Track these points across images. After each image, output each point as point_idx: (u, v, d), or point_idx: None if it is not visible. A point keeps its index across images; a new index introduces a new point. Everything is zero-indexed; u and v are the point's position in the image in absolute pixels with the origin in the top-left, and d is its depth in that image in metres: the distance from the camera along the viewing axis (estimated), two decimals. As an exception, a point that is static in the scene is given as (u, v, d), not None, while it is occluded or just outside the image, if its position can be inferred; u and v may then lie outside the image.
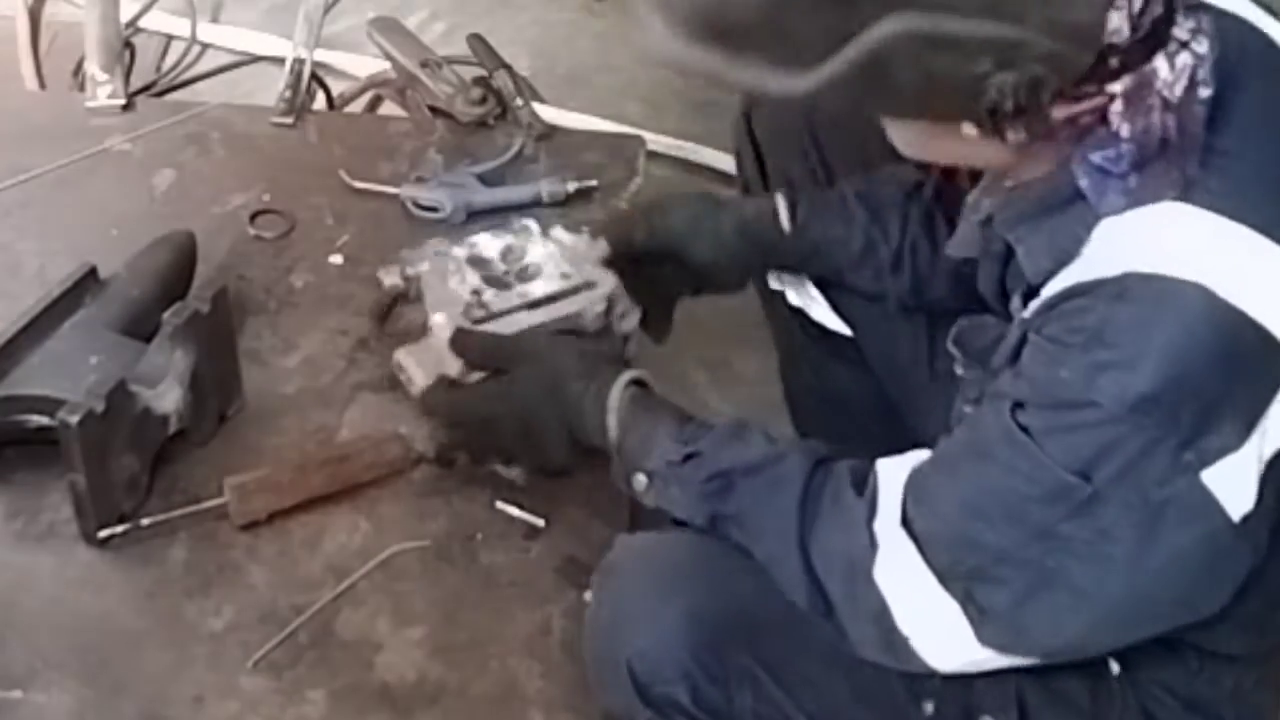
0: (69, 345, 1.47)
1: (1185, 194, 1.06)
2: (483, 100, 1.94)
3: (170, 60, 2.55)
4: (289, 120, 1.96)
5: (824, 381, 1.68)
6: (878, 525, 1.15)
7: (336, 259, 1.75)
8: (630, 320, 1.53)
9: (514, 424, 1.36)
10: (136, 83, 2.30)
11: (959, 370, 1.27)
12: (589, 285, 1.52)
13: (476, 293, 1.50)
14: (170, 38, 2.59)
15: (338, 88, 2.25)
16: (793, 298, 1.63)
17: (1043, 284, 1.13)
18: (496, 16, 2.68)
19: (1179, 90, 1.05)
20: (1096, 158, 1.07)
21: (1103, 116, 1.06)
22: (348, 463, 1.47)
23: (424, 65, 2.00)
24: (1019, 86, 1.02)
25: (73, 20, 2.37)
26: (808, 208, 1.52)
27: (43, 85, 2.42)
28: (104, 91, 1.97)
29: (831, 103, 1.09)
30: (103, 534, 1.40)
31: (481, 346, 1.42)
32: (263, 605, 1.38)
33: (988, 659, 1.15)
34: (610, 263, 1.53)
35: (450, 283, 1.51)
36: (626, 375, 1.32)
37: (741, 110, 1.66)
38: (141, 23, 2.56)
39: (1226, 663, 1.22)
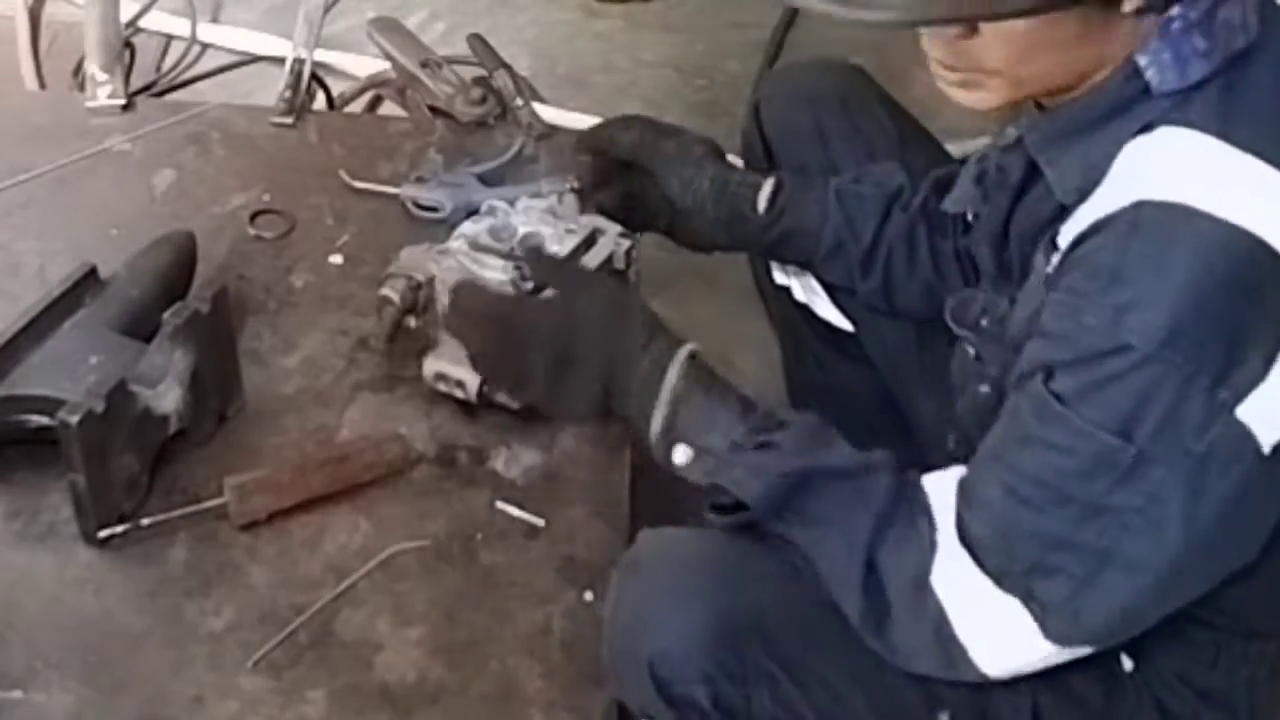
0: (69, 345, 1.47)
1: (1195, 117, 1.08)
2: (483, 100, 1.95)
3: (170, 60, 2.55)
4: (289, 120, 1.96)
5: (828, 377, 1.68)
6: (938, 538, 1.14)
7: (336, 259, 1.75)
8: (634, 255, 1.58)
9: (555, 343, 1.28)
10: (136, 83, 2.30)
11: (967, 347, 1.26)
12: (599, 231, 1.55)
13: (519, 268, 1.50)
14: (170, 38, 2.59)
15: (338, 88, 2.25)
16: (798, 293, 1.63)
17: (1068, 209, 1.14)
18: (496, 16, 2.68)
19: None
20: (1176, 26, 1.09)
21: None
22: (348, 463, 1.47)
23: (424, 65, 2.00)
24: None
25: (73, 20, 2.37)
26: (787, 197, 1.52)
27: (43, 85, 2.41)
28: (104, 91, 1.97)
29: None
30: (103, 534, 1.40)
31: (548, 260, 1.40)
32: (263, 605, 1.38)
33: (1043, 657, 1.14)
34: (592, 167, 1.55)
35: (485, 274, 1.51)
36: (690, 345, 1.29)
37: (751, 103, 1.66)
38: (141, 23, 2.55)
39: (1242, 652, 1.22)
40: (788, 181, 1.53)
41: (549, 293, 1.35)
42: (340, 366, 1.62)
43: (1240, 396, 1.04)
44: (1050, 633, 1.12)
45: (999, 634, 1.14)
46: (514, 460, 1.52)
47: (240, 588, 1.39)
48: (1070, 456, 1.07)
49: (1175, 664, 1.22)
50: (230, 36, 2.61)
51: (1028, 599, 1.11)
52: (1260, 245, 1.04)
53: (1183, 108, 1.09)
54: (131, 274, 1.57)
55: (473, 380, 1.50)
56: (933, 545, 1.14)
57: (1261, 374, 1.04)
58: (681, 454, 1.25)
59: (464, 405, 1.54)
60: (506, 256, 1.53)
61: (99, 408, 1.34)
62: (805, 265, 1.56)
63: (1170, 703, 1.22)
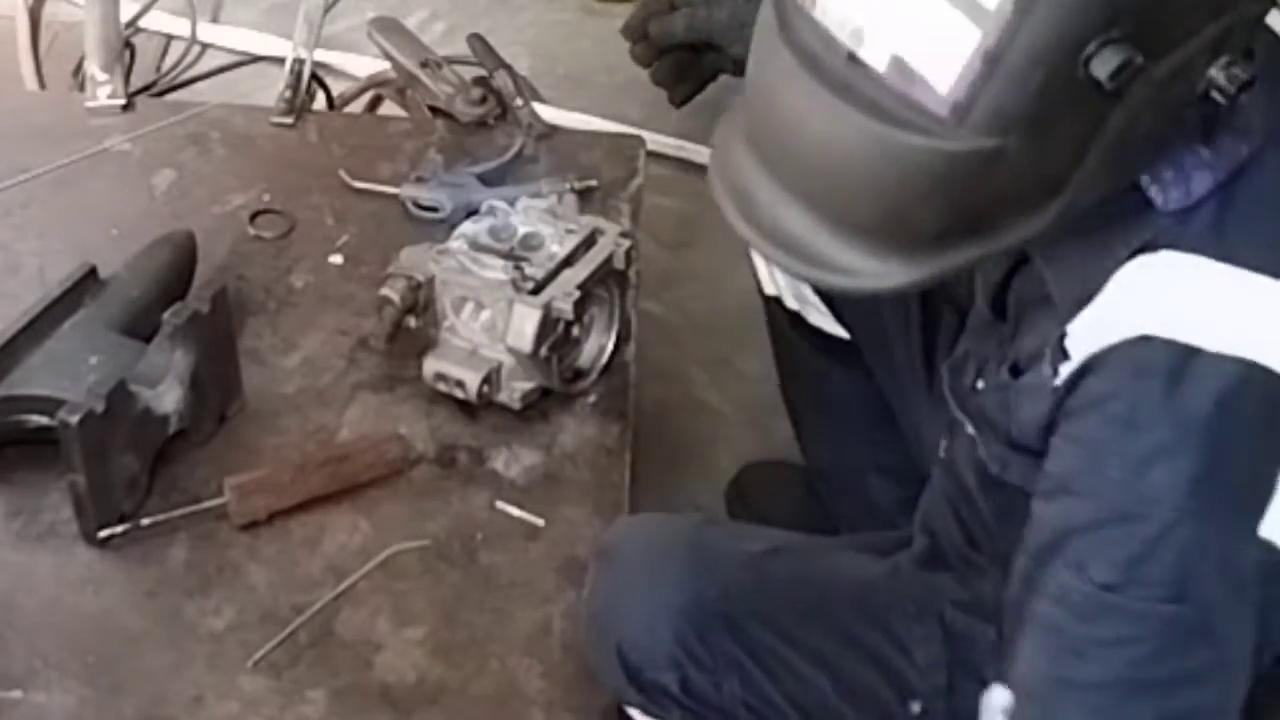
0: (69, 345, 1.47)
1: (1197, 242, 1.01)
2: (483, 100, 1.94)
3: (170, 60, 2.55)
4: (289, 120, 1.96)
5: (822, 385, 1.68)
6: None
7: (336, 259, 1.75)
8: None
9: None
10: (136, 83, 2.29)
11: (967, 428, 1.21)
12: (599, 231, 1.55)
13: (519, 268, 1.50)
14: (170, 38, 2.59)
15: (338, 88, 2.25)
16: (790, 302, 1.63)
17: (1066, 322, 1.08)
18: (496, 16, 2.68)
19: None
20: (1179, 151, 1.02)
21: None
22: (348, 463, 1.47)
23: (424, 65, 2.00)
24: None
25: (73, 20, 2.37)
26: None
27: (43, 85, 2.41)
28: (104, 91, 1.97)
29: None
30: (103, 534, 1.40)
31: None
32: (263, 605, 1.38)
33: None
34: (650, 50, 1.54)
35: (485, 273, 1.51)
36: None
37: None
38: (141, 23, 2.55)
39: None
40: None
41: None
42: (340, 366, 1.62)
43: (1261, 516, 0.99)
44: None
45: None
46: (514, 460, 1.52)
47: (240, 588, 1.39)
48: (1138, 645, 1.00)
49: None
50: (230, 36, 2.61)
51: None
52: (1273, 375, 0.98)
53: (1183, 224, 1.02)
54: (131, 274, 1.57)
55: (473, 380, 1.50)
56: None
57: (1275, 489, 1.00)
58: None
59: (464, 405, 1.54)
60: (506, 256, 1.53)
61: (99, 408, 1.34)
62: None
63: None
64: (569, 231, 1.55)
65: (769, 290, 1.65)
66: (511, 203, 1.61)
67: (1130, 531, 0.98)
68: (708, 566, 1.25)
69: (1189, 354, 0.98)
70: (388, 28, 2.08)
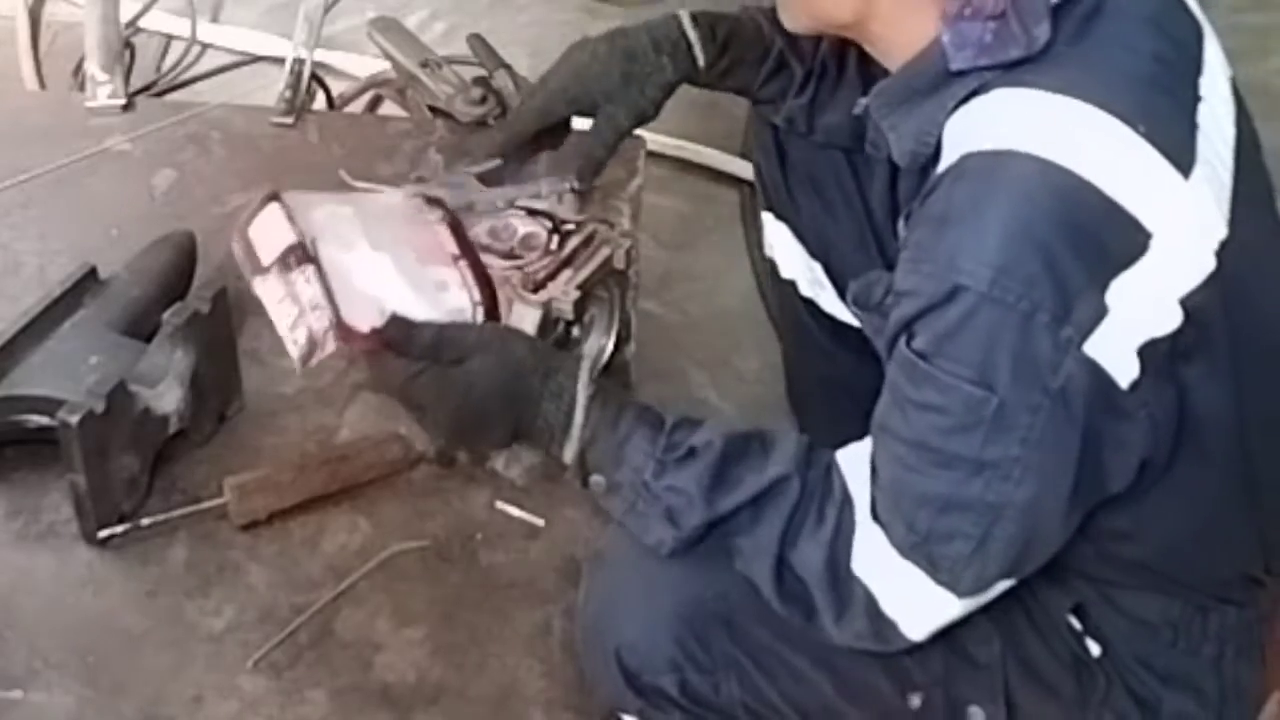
0: (69, 345, 1.47)
1: (1027, 78, 1.10)
2: (483, 100, 1.94)
3: (170, 60, 2.55)
4: (289, 120, 1.96)
5: (831, 371, 1.68)
6: (856, 518, 1.16)
7: (336, 259, 1.75)
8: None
9: (450, 415, 1.26)
10: (136, 83, 2.30)
11: (865, 329, 1.26)
12: (598, 231, 1.54)
13: (519, 268, 1.49)
14: (170, 38, 2.59)
15: (338, 88, 2.25)
16: (804, 287, 1.63)
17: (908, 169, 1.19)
18: (496, 16, 2.68)
19: None
20: (955, 6, 1.11)
21: None
22: (348, 463, 1.47)
23: (424, 65, 1.99)
24: None
25: (73, 20, 2.37)
26: (725, 36, 1.51)
27: (43, 85, 2.42)
28: (104, 91, 1.97)
29: None
30: (103, 534, 1.40)
31: (419, 338, 1.27)
32: (263, 605, 1.38)
33: (961, 609, 1.16)
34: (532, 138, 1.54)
35: (457, 303, 1.51)
36: (585, 367, 1.25)
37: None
38: (141, 23, 2.55)
39: (1200, 629, 1.22)
40: (720, 26, 1.52)
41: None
42: (340, 366, 1.62)
43: (1085, 333, 1.05)
44: (961, 592, 1.14)
45: (920, 602, 1.15)
46: (514, 460, 1.52)
47: (240, 588, 1.39)
48: (942, 415, 1.08)
49: (1134, 648, 1.22)
50: (230, 36, 2.61)
51: (933, 569, 1.13)
52: (1086, 185, 1.05)
53: (1013, 75, 1.11)
54: (131, 274, 1.57)
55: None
56: (850, 529, 1.15)
57: (1102, 310, 1.05)
58: (596, 484, 1.23)
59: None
60: (506, 256, 1.53)
61: (99, 408, 1.34)
62: (741, 93, 1.57)
63: (1136, 687, 1.22)
64: (569, 231, 1.55)
65: (785, 274, 1.65)
66: (511, 202, 1.61)
67: (942, 312, 1.07)
68: (704, 568, 1.25)
69: (996, 156, 1.07)
70: (388, 28, 2.08)
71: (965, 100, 1.13)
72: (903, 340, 1.11)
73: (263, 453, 1.51)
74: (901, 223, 1.21)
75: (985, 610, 1.20)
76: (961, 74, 1.13)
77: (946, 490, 1.10)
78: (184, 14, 2.60)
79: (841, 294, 1.60)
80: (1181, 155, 1.09)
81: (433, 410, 1.25)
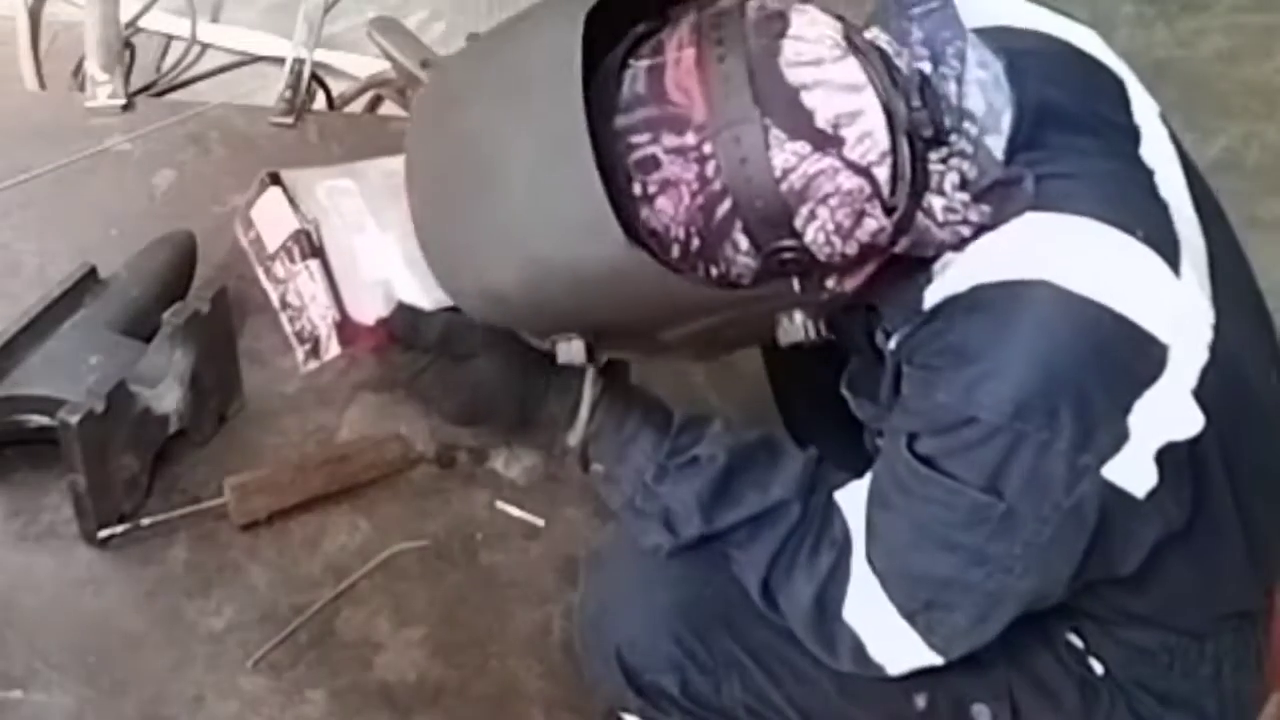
0: (69, 345, 1.47)
1: (1014, 206, 1.05)
2: (483, 100, 1.94)
3: (170, 60, 2.55)
4: (289, 120, 1.96)
5: (811, 386, 1.68)
6: (851, 563, 1.14)
7: (336, 259, 1.75)
8: None
9: (458, 409, 1.27)
10: (136, 83, 2.29)
11: (856, 412, 1.25)
12: None
13: None
14: (170, 38, 2.59)
15: (338, 88, 2.25)
16: None
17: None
18: (496, 16, 2.66)
19: (960, 198, 1.04)
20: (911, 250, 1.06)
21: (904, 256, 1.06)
22: (348, 463, 1.47)
23: (424, 65, 1.99)
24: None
25: (73, 20, 2.37)
26: None
27: (43, 85, 2.41)
28: (104, 91, 1.97)
29: None
30: (103, 534, 1.40)
31: (427, 329, 1.26)
32: (263, 605, 1.38)
33: (945, 663, 1.16)
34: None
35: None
36: (592, 370, 1.23)
37: None
38: (141, 23, 2.55)
39: (1197, 654, 1.22)
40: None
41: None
42: (340, 366, 1.61)
43: (1105, 458, 1.04)
44: (951, 656, 1.14)
45: (907, 653, 1.15)
46: (514, 460, 1.52)
47: (240, 588, 1.39)
48: (947, 509, 1.07)
49: (1133, 672, 1.22)
50: (230, 36, 2.61)
51: (929, 633, 1.12)
52: (1105, 311, 1.03)
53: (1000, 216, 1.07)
54: (131, 274, 1.57)
55: None
56: (845, 575, 1.14)
57: (1124, 434, 1.04)
58: (597, 472, 1.23)
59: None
60: None
61: (99, 408, 1.34)
62: None
63: (1138, 707, 1.22)
64: None
65: None
66: None
67: (955, 435, 1.05)
68: (704, 567, 1.25)
69: (1013, 287, 1.04)
70: (388, 28, 2.08)
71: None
72: (904, 442, 1.09)
73: (263, 453, 1.51)
74: (881, 336, 1.16)
75: None
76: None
77: (948, 572, 1.10)
78: (184, 14, 2.59)
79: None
80: (1169, 249, 1.07)
81: (440, 404, 1.26)
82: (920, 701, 1.22)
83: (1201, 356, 1.07)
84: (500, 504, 1.47)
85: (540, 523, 1.46)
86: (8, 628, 1.35)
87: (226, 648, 1.34)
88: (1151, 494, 1.06)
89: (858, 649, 1.15)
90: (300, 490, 1.45)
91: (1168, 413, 1.05)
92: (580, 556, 1.41)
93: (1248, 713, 1.26)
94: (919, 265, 1.08)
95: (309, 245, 1.31)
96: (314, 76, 2.06)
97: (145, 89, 2.38)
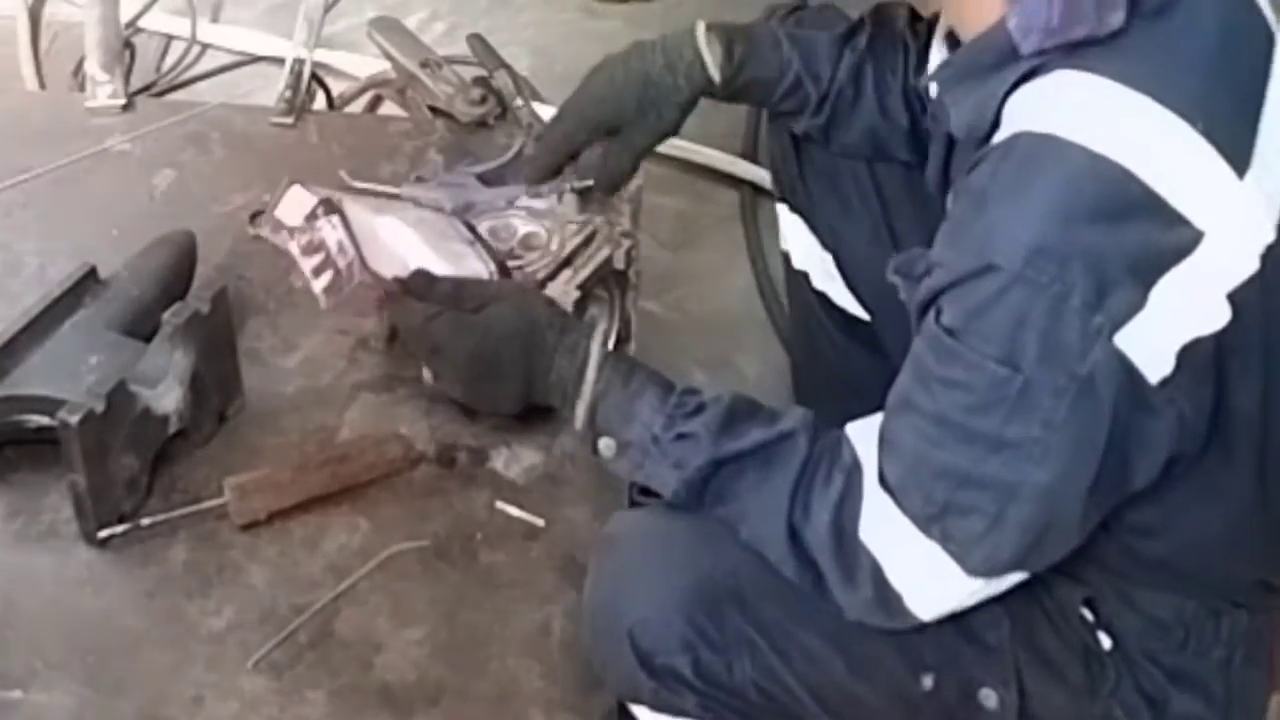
0: (69, 345, 1.47)
1: (1090, 61, 1.09)
2: (483, 100, 1.94)
3: (170, 60, 2.55)
4: (289, 120, 1.96)
5: (841, 364, 1.69)
6: (864, 487, 1.17)
7: (337, 259, 1.75)
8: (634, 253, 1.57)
9: (465, 356, 1.33)
10: (136, 83, 2.30)
11: (904, 299, 1.27)
12: (598, 230, 1.55)
13: (520, 268, 1.50)
14: (170, 38, 2.59)
15: (338, 88, 2.25)
16: (817, 280, 1.64)
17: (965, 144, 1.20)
18: (496, 16, 2.68)
19: None
20: None
21: None
22: (348, 463, 1.47)
23: (424, 65, 2.00)
24: None
25: (73, 20, 2.37)
26: (741, 55, 1.53)
27: (43, 85, 2.42)
28: (104, 91, 1.97)
29: None
30: (103, 534, 1.40)
31: (441, 285, 1.36)
32: (263, 605, 1.38)
33: (972, 593, 1.17)
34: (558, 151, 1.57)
35: (475, 270, 1.51)
36: (600, 331, 1.31)
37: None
38: (141, 23, 2.56)
39: (1213, 631, 1.23)
40: (737, 43, 1.53)
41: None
42: (340, 366, 1.62)
43: (1118, 323, 1.06)
44: (971, 569, 1.14)
45: (927, 577, 1.16)
46: (514, 460, 1.52)
47: (240, 588, 1.39)
48: (966, 392, 1.10)
49: (1145, 645, 1.23)
50: (230, 36, 2.61)
51: (945, 540, 1.13)
52: (1132, 179, 1.05)
53: (1077, 56, 1.11)
54: (131, 274, 1.57)
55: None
56: (857, 496, 1.17)
57: (1139, 303, 1.06)
58: (606, 448, 1.28)
59: (464, 405, 1.54)
60: (507, 255, 1.53)
61: (99, 408, 1.34)
62: (758, 104, 1.60)
63: (1145, 684, 1.23)
64: (569, 231, 1.55)
65: (797, 265, 1.66)
66: (512, 202, 1.61)
67: (973, 287, 1.08)
68: (713, 546, 1.26)
69: (1047, 140, 1.07)
70: (388, 28, 2.08)
71: (1027, 77, 1.13)
72: (932, 315, 1.12)
73: (263, 453, 1.51)
74: (950, 196, 1.21)
75: (997, 597, 1.20)
76: (1013, 59, 1.14)
77: (966, 465, 1.11)
78: (184, 14, 2.60)
79: (851, 287, 1.61)
80: (1238, 154, 1.09)
81: (449, 351, 1.32)
82: (927, 682, 1.23)
83: (1249, 265, 1.09)
84: (500, 504, 1.47)
85: (540, 523, 1.46)
86: (8, 628, 1.35)
87: (226, 648, 1.34)
88: (1165, 383, 1.08)
89: (876, 575, 1.16)
90: (300, 490, 1.45)
91: (1194, 302, 1.07)
92: (580, 557, 1.42)
93: (1252, 707, 1.27)
94: (1008, 60, 1.13)
95: (331, 207, 1.41)
96: (314, 76, 2.06)
97: (145, 89, 2.39)
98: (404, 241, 1.48)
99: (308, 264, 1.44)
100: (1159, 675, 1.22)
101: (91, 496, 1.37)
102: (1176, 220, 1.06)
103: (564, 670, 1.34)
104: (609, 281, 1.57)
